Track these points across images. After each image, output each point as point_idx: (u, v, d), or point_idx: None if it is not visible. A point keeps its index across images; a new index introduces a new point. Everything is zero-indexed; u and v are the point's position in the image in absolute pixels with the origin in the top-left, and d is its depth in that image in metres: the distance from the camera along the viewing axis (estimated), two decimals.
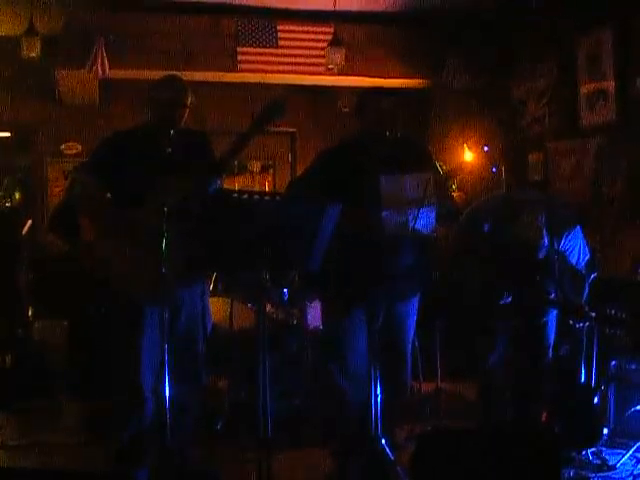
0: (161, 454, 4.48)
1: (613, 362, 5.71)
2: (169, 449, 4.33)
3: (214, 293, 6.52)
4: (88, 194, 4.62)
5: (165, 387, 4.21)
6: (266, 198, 4.10)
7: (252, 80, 8.84)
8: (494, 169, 4.90)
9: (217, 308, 6.49)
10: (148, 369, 4.54)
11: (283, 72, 8.56)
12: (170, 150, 4.64)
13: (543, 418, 5.21)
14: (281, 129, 10.33)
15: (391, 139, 4.84)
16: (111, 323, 4.67)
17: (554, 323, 5.28)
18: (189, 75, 8.45)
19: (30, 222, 8.21)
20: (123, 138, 4.75)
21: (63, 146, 9.68)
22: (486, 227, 5.29)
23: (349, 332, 4.86)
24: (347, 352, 4.88)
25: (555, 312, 5.27)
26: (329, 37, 8.09)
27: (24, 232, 8.03)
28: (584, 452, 5.20)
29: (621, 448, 5.37)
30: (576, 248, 5.43)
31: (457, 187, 5.59)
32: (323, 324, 5.40)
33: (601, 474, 5.11)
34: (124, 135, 4.79)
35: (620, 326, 5.23)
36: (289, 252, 3.96)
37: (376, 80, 8.79)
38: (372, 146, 4.86)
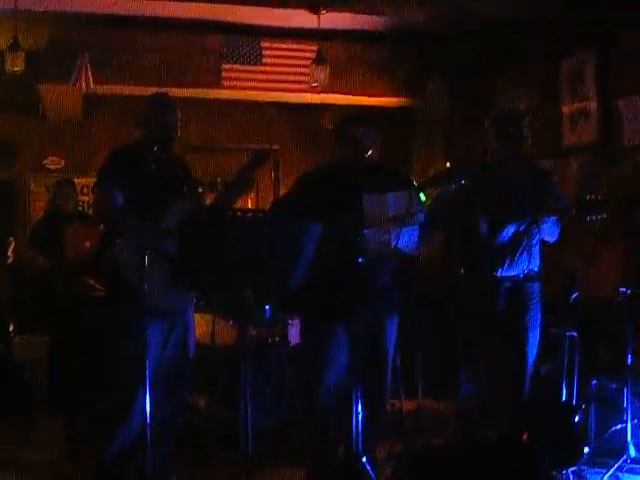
0: (143, 471, 4.46)
1: (594, 381, 5.73)
2: (150, 467, 4.31)
3: (196, 309, 6.51)
4: (116, 210, 4.54)
5: (146, 402, 4.20)
6: (249, 215, 4.12)
7: (236, 97, 8.86)
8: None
9: (199, 324, 6.47)
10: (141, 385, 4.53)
11: (267, 89, 8.59)
12: (160, 169, 4.68)
13: (523, 437, 5.21)
14: (264, 146, 10.35)
15: (370, 164, 4.92)
16: (110, 338, 4.64)
17: (536, 341, 5.28)
18: (173, 91, 8.45)
19: (12, 243, 8.17)
20: (126, 156, 4.71)
21: (46, 161, 9.66)
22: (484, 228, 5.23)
23: (329, 350, 4.88)
24: (327, 370, 4.89)
25: (537, 334, 5.27)
26: (313, 55, 8.12)
27: (9, 254, 7.99)
28: (565, 471, 5.19)
29: (602, 467, 5.36)
30: None
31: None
32: (302, 343, 5.40)
33: None
34: (127, 153, 4.76)
35: None
36: (270, 271, 3.95)
37: (360, 98, 8.84)
38: (351, 170, 4.93)
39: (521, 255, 5.16)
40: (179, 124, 4.80)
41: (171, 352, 4.63)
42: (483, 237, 5.12)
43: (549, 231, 5.16)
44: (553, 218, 5.08)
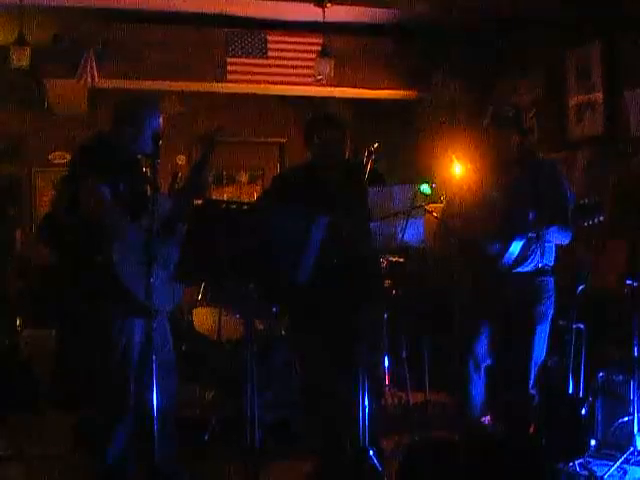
0: (148, 467, 4.47)
1: (601, 374, 5.72)
2: (156, 462, 4.32)
3: (202, 303, 6.51)
4: (107, 206, 4.52)
5: (153, 398, 4.20)
6: (232, 207, 4.11)
7: (241, 90, 8.85)
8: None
9: (205, 318, 6.49)
10: (133, 380, 4.54)
11: (272, 82, 8.58)
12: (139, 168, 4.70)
13: (530, 429, 5.21)
14: (270, 140, 10.37)
15: (340, 165, 4.93)
16: (99, 335, 4.64)
17: (544, 335, 5.26)
18: (178, 85, 8.50)
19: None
20: (105, 151, 4.68)
21: (52, 155, 9.67)
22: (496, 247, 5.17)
23: (313, 348, 4.95)
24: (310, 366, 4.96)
25: (546, 329, 5.26)
26: (318, 48, 8.09)
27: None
28: (571, 463, 5.20)
29: (608, 459, 5.37)
30: None
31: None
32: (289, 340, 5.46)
33: None
34: (103, 148, 4.73)
35: None
36: (275, 265, 3.94)
37: (365, 91, 8.83)
38: (321, 172, 4.97)
39: (533, 252, 5.13)
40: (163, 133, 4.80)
41: (156, 346, 4.61)
42: (495, 254, 5.08)
43: (556, 237, 5.14)
44: (554, 227, 5.05)
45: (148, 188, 4.59)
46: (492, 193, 5.16)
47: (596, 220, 4.76)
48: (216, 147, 4.89)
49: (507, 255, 5.01)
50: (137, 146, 4.70)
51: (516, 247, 5.00)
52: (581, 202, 4.85)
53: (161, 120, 4.79)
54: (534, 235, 5.01)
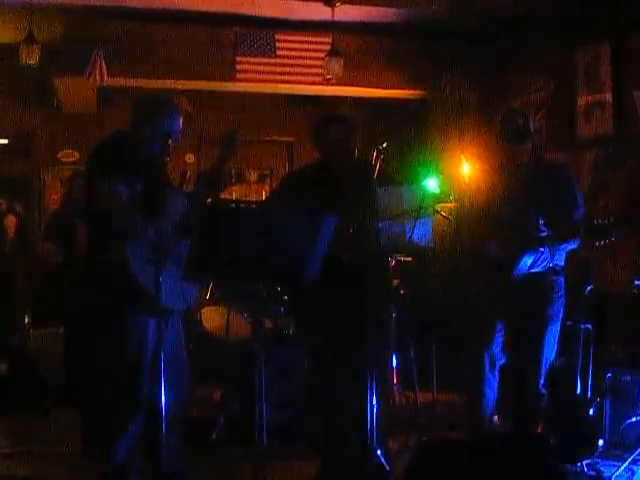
0: (154, 467, 4.48)
1: (608, 374, 5.71)
2: (162, 462, 4.33)
3: (210, 302, 6.52)
4: (122, 206, 4.51)
5: (161, 398, 4.21)
6: (241, 206, 4.11)
7: (250, 89, 8.86)
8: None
9: (213, 317, 6.49)
10: (146, 380, 4.55)
11: (281, 82, 8.58)
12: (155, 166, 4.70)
13: (538, 430, 5.21)
14: (278, 139, 10.37)
15: (350, 164, 4.94)
16: (112, 332, 4.65)
17: (555, 335, 5.26)
18: (187, 84, 8.50)
19: (14, 220, 8.18)
20: (127, 147, 4.67)
21: (60, 153, 9.69)
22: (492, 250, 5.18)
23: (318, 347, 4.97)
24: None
25: (557, 328, 5.26)
26: (327, 47, 8.11)
27: (10, 234, 8.02)
28: (579, 464, 5.19)
29: (616, 460, 5.36)
30: None
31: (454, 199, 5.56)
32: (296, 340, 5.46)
33: None
34: (126, 144, 4.71)
35: None
36: (282, 264, 3.94)
37: (374, 90, 8.83)
38: (330, 171, 4.96)
39: (543, 253, 5.13)
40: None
41: (169, 346, 4.61)
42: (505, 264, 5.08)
43: (567, 246, 5.16)
44: (564, 245, 5.08)
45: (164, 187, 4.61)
46: (501, 194, 5.16)
47: (607, 241, 4.74)
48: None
49: (519, 268, 5.01)
50: (151, 145, 4.68)
51: (527, 261, 5.01)
52: (595, 222, 4.81)
53: (181, 121, 4.77)
54: (545, 250, 5.02)
